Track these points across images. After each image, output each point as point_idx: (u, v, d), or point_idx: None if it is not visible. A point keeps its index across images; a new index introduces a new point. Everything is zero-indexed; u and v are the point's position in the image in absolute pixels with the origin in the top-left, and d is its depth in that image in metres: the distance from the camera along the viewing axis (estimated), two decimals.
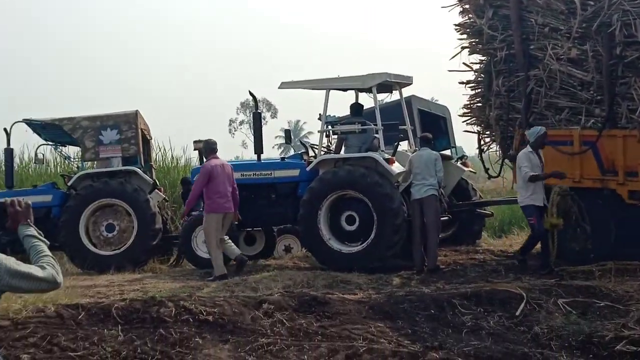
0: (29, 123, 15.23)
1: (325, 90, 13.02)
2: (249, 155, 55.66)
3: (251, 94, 13.91)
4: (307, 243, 13.13)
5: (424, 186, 11.85)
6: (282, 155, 16.95)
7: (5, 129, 15.22)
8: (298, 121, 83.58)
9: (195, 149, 15.09)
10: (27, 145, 20.71)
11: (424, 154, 12.08)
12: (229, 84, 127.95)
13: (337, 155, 12.96)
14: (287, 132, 14.73)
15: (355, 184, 12.31)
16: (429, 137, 12.63)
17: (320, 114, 13.29)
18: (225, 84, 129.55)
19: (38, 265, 3.54)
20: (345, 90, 13.57)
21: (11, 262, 3.43)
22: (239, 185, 13.50)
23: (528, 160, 11.25)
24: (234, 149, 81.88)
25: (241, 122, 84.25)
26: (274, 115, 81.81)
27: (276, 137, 75.89)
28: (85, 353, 7.59)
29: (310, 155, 13.81)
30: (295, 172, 13.38)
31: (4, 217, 3.65)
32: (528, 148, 11.37)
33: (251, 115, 73.14)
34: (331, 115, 15.08)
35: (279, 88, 13.26)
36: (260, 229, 14.15)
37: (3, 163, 16.22)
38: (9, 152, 15.46)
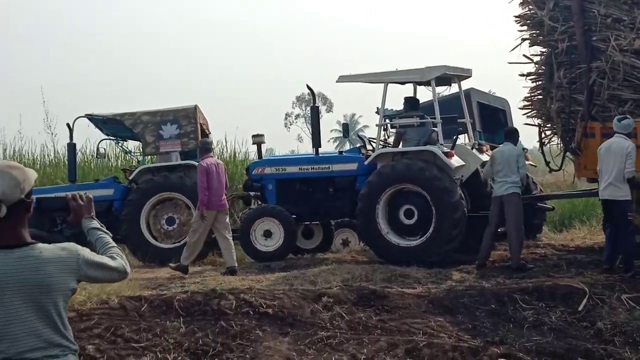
0: (91, 118, 15.47)
1: (383, 84, 12.96)
2: (305, 149, 55.75)
3: (309, 87, 13.93)
4: (365, 237, 13.10)
5: (506, 184, 11.61)
6: (339, 149, 16.92)
7: (68, 124, 15.48)
8: (354, 115, 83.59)
9: (253, 143, 15.17)
10: (89, 140, 21.05)
11: (506, 149, 11.83)
12: (285, 77, 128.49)
13: (395, 149, 12.89)
14: (345, 126, 14.68)
15: (414, 177, 12.24)
16: (512, 130, 12.34)
17: (378, 108, 13.25)
18: (281, 78, 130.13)
19: (108, 255, 3.62)
20: (403, 83, 13.49)
21: (88, 252, 3.51)
22: (297, 179, 13.57)
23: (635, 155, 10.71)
24: (290, 142, 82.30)
25: (297, 116, 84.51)
26: (329, 109, 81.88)
27: (332, 130, 75.95)
28: (148, 344, 7.72)
29: (368, 149, 13.78)
30: (353, 166, 13.36)
31: (67, 211, 3.70)
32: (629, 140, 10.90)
33: (307, 109, 73.09)
34: (389, 109, 15.02)
35: (337, 82, 13.24)
36: (317, 222, 14.17)
37: (66, 157, 16.48)
38: (71, 147, 15.71)
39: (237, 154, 22.64)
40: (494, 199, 11.84)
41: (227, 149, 22.86)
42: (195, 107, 14.89)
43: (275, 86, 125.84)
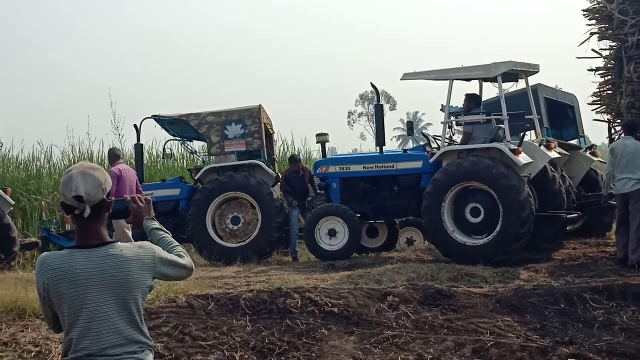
0: (158, 119, 15.70)
1: (448, 81, 12.83)
2: (367, 147, 55.74)
3: (373, 85, 13.90)
4: (430, 235, 12.99)
5: (630, 180, 11.23)
6: (403, 147, 16.84)
7: (135, 125, 15.75)
8: (416, 112, 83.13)
9: (317, 142, 15.21)
10: (156, 140, 21.36)
11: (629, 143, 11.39)
12: (347, 76, 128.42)
13: (461, 147, 12.75)
14: (409, 124, 14.60)
15: (481, 175, 12.08)
16: (633, 123, 11.83)
17: (442, 105, 13.12)
18: (344, 76, 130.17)
19: (175, 254, 3.68)
20: (469, 80, 13.34)
21: (161, 251, 3.59)
22: (362, 177, 13.54)
23: None
24: (353, 141, 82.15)
25: (360, 114, 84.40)
26: (392, 107, 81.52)
27: (395, 129, 75.67)
28: (215, 342, 7.79)
29: (433, 146, 13.67)
30: (418, 164, 13.27)
31: (127, 213, 3.76)
32: None
33: (370, 107, 72.92)
34: (454, 106, 14.87)
35: (401, 79, 13.17)
36: (382, 221, 14.12)
37: (133, 158, 16.77)
38: (139, 148, 15.98)
39: (299, 153, 22.66)
40: (617, 196, 11.52)
41: (289, 148, 22.92)
42: (260, 107, 14.99)
43: (338, 84, 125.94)
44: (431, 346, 7.90)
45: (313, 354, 7.75)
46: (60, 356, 7.27)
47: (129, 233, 11.94)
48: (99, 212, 3.47)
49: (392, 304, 8.96)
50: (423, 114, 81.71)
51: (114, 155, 12.85)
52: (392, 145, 64.63)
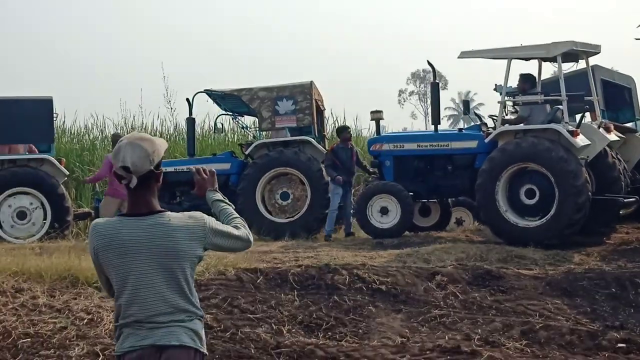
0: (210, 93, 15.80)
1: (506, 60, 12.63)
2: (418, 126, 55.45)
3: (429, 63, 13.73)
4: (482, 213, 12.80)
5: None
6: (458, 127, 16.67)
7: (187, 99, 15.86)
8: (468, 92, 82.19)
9: (372, 119, 15.12)
10: (208, 114, 21.48)
11: None
12: (398, 54, 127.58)
13: (517, 127, 12.57)
14: (466, 103, 14.47)
15: (539, 157, 11.88)
16: None
17: (496, 85, 12.96)
18: (394, 54, 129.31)
19: (232, 225, 3.69)
20: (528, 59, 13.10)
21: (213, 221, 3.59)
22: (415, 156, 13.44)
23: None
24: (403, 120, 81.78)
25: (411, 93, 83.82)
26: (444, 87, 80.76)
27: (446, 108, 74.97)
28: (263, 316, 7.86)
29: (489, 126, 13.50)
30: (473, 144, 13.12)
31: (191, 185, 3.80)
32: None
33: (421, 86, 72.15)
34: (509, 87, 14.68)
35: (458, 57, 13.01)
36: (434, 200, 14.03)
37: (185, 132, 16.91)
38: (190, 122, 16.11)
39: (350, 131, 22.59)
40: None
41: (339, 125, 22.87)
42: (311, 83, 14.99)
43: (389, 62, 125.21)
44: (479, 327, 7.87)
45: (360, 331, 7.78)
46: (111, 323, 7.42)
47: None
48: (148, 182, 3.47)
49: (441, 284, 8.95)
50: (475, 94, 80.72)
51: (115, 141, 13.03)
52: (443, 124, 64.02)
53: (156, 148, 3.48)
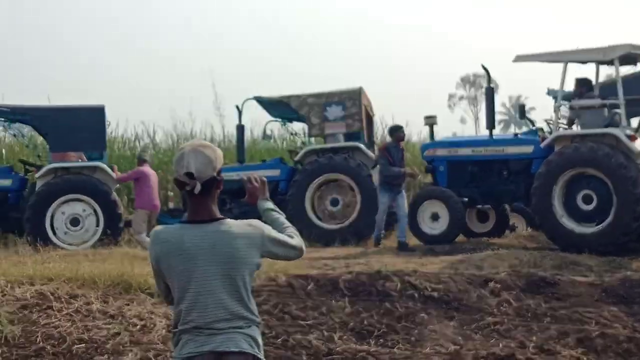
0: (259, 100, 15.88)
1: (562, 63, 12.43)
2: (467, 131, 54.94)
3: (484, 68, 13.55)
4: (538, 218, 12.55)
5: None
6: (512, 132, 16.38)
7: (237, 106, 15.97)
8: (519, 97, 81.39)
9: (426, 124, 14.98)
10: (257, 122, 21.59)
11: None
12: (448, 58, 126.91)
13: (574, 132, 12.37)
14: (521, 108, 14.29)
15: (598, 162, 11.63)
16: None
17: (549, 89, 12.81)
18: (444, 58, 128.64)
19: (286, 234, 3.70)
20: (584, 62, 12.88)
21: (270, 229, 3.62)
22: (470, 161, 13.24)
23: None
24: (452, 124, 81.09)
25: (460, 97, 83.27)
26: (495, 91, 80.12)
27: (496, 113, 74.20)
28: (314, 322, 7.83)
29: (545, 131, 13.27)
30: (529, 149, 12.92)
31: (242, 193, 3.80)
32: None
33: (471, 91, 71.31)
34: (555, 90, 14.45)
35: (513, 61, 12.85)
36: (488, 206, 13.85)
37: (235, 139, 17.01)
38: (240, 129, 16.22)
39: None
40: None
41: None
42: (360, 89, 14.97)
43: (439, 67, 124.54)
44: (534, 334, 7.74)
45: (412, 338, 7.71)
46: (168, 328, 7.46)
47: (144, 226, 13.42)
48: (210, 188, 3.51)
49: (494, 290, 8.82)
50: (526, 98, 79.90)
51: (141, 159, 14.35)
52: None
53: (217, 155, 3.55)
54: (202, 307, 3.44)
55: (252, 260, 3.53)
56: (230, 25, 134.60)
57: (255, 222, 3.59)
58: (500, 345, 7.43)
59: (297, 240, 3.71)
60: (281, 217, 3.77)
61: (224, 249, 3.46)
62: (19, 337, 7.15)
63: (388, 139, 13.90)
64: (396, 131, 13.56)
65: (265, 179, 3.87)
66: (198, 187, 3.45)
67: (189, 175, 3.45)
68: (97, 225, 13.89)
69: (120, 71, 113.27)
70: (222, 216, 3.56)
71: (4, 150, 19.36)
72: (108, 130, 16.08)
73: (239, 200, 14.28)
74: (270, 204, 3.79)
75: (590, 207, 11.85)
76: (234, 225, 3.52)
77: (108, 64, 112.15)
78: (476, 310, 8.42)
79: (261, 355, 3.56)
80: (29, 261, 9.84)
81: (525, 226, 14.16)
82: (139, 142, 22.29)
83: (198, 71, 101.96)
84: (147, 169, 14.12)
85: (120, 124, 28.34)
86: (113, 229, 13.77)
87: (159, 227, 3.62)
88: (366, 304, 8.39)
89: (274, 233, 3.62)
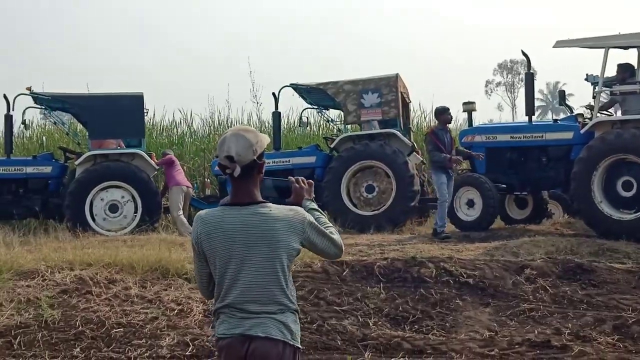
0: (295, 87, 15.89)
1: (604, 49, 12.25)
2: (505, 118, 54.43)
3: (524, 53, 13.36)
4: (576, 203, 12.35)
5: None
6: (553, 118, 16.10)
7: (273, 93, 16.01)
8: (557, 83, 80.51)
9: (464, 111, 14.86)
10: (293, 108, 21.61)
11: None
12: (484, 44, 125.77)
13: (614, 117, 12.19)
14: (561, 93, 14.06)
15: (639, 149, 11.51)
16: None
17: (587, 75, 12.61)
18: (480, 45, 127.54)
19: (327, 231, 3.74)
20: (626, 48, 12.67)
21: (313, 219, 3.67)
22: (509, 147, 13.07)
23: None
24: (490, 111, 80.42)
25: (498, 84, 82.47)
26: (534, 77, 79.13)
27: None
28: (349, 308, 7.88)
29: (584, 117, 13.11)
30: (569, 135, 12.76)
31: (289, 192, 3.87)
32: None
33: (509, 77, 70.53)
34: (597, 76, 14.25)
35: (554, 47, 12.67)
36: (526, 193, 13.72)
37: (271, 126, 17.05)
38: (276, 116, 16.25)
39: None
40: None
41: (426, 118, 22.68)
42: (397, 76, 14.91)
43: (476, 53, 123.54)
44: (569, 321, 7.71)
45: (447, 324, 7.72)
46: (205, 313, 7.56)
47: (180, 204, 14.10)
48: (250, 172, 3.57)
49: (530, 277, 8.79)
50: (564, 84, 79.04)
51: (165, 153, 15.08)
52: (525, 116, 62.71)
53: (259, 139, 3.60)
54: (239, 287, 3.52)
55: (290, 245, 3.56)
56: (263, 16, 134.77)
57: (298, 208, 3.66)
58: (536, 331, 7.42)
59: (337, 237, 3.75)
60: (323, 217, 3.82)
61: (261, 231, 3.52)
62: (59, 321, 7.30)
63: (433, 122, 13.67)
64: (443, 113, 12.94)
65: (312, 182, 3.95)
66: (238, 170, 3.52)
67: (230, 158, 3.52)
68: (136, 212, 14.06)
69: (159, 61, 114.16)
70: (264, 200, 3.62)
71: (44, 138, 19.61)
72: (146, 117, 16.23)
73: (284, 199, 14.43)
74: (314, 204, 3.84)
75: (630, 193, 11.70)
76: (274, 208, 3.58)
77: (146, 54, 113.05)
78: (512, 297, 8.40)
79: (295, 342, 3.58)
80: (68, 247, 10.01)
81: (562, 213, 14.02)
82: (177, 130, 22.46)
83: (235, 60, 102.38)
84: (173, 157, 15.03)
85: (157, 111, 28.65)
86: (151, 216, 13.93)
87: (202, 211, 3.69)
88: (401, 290, 8.41)
89: (317, 224, 3.67)
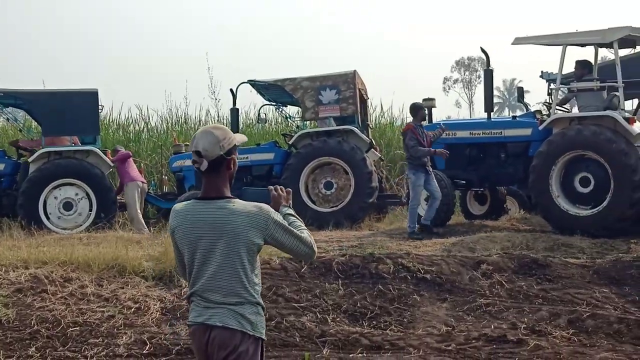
0: (253, 84, 15.84)
1: (562, 46, 12.39)
2: (462, 115, 54.91)
3: (483, 50, 13.40)
4: (534, 195, 12.39)
5: None
6: (508, 115, 16.17)
7: (231, 90, 15.93)
8: (513, 80, 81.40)
9: (423, 107, 14.90)
10: (252, 105, 21.56)
11: None
12: (441, 40, 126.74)
13: (572, 114, 12.33)
14: (520, 90, 14.13)
15: (599, 147, 11.52)
16: None
17: (542, 72, 12.77)
18: (437, 41, 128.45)
19: (299, 232, 3.85)
20: (583, 45, 12.79)
21: (279, 216, 3.79)
22: (468, 144, 13.12)
23: None
24: (447, 108, 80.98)
25: (455, 81, 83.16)
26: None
27: None
28: (307, 305, 7.89)
29: (543, 114, 13.21)
30: (527, 132, 12.85)
31: (269, 199, 3.98)
32: None
33: (466, 74, 71.00)
34: (552, 73, 14.43)
35: (512, 44, 12.74)
36: (482, 189, 13.83)
37: (229, 122, 16.98)
38: (235, 112, 16.17)
39: (394, 120, 22.52)
40: None
41: (384, 115, 22.81)
42: (355, 73, 14.93)
43: (433, 50, 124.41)
44: (525, 315, 7.81)
45: (405, 320, 7.77)
46: (162, 311, 7.51)
47: (136, 199, 14.18)
48: (218, 167, 3.73)
49: (486, 273, 8.88)
50: (520, 81, 79.96)
51: (116, 150, 15.21)
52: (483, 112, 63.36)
53: (227, 137, 3.75)
54: (204, 277, 3.70)
55: (250, 239, 3.67)
56: (225, 8, 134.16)
57: (264, 206, 3.76)
58: (492, 326, 7.50)
59: (307, 236, 3.83)
60: (298, 221, 3.92)
61: (223, 225, 3.67)
62: (14, 320, 7.21)
63: (408, 119, 13.49)
64: (419, 109, 12.70)
65: (290, 190, 4.11)
66: (204, 165, 3.69)
67: (197, 153, 3.70)
68: (90, 209, 13.91)
69: (117, 54, 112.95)
70: (231, 196, 3.75)
71: None
72: (102, 113, 16.05)
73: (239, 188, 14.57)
74: (290, 210, 3.98)
75: (587, 190, 11.84)
76: (238, 204, 3.72)
77: (105, 47, 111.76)
78: (468, 292, 8.48)
79: (256, 332, 3.73)
80: (23, 245, 9.88)
81: (518, 209, 14.18)
82: (134, 127, 22.28)
83: (193, 55, 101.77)
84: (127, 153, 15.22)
85: (114, 107, 28.38)
86: (106, 213, 13.78)
87: (177, 204, 3.89)
88: (359, 286, 8.45)
89: (284, 222, 3.77)
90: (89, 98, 14.45)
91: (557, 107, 12.47)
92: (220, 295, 3.67)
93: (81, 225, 13.69)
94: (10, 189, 14.49)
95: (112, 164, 14.66)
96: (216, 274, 3.67)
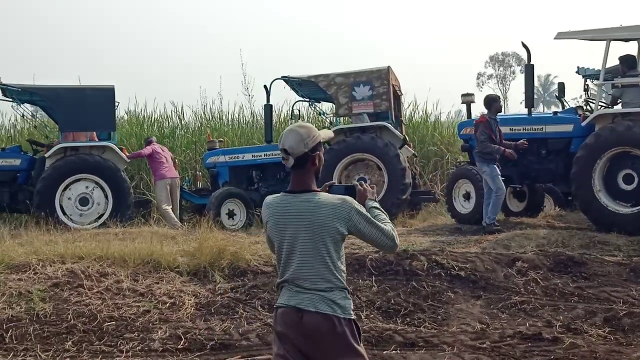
0: (287, 80, 15.85)
1: (605, 41, 12.19)
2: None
3: (524, 46, 13.22)
4: (575, 187, 12.16)
5: None
6: (554, 110, 15.90)
7: (265, 86, 15.96)
8: (548, 75, 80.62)
9: (463, 102, 14.76)
10: (286, 101, 21.54)
11: None
12: (477, 36, 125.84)
13: (615, 110, 12.14)
14: (561, 86, 13.94)
15: None
16: None
17: (578, 67, 12.59)
18: (473, 37, 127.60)
19: (380, 223, 4.00)
20: (627, 40, 12.58)
21: (362, 208, 3.98)
22: (508, 139, 12.94)
23: None
24: (481, 104, 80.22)
25: (489, 76, 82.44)
26: (522, 70, 79.19)
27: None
28: None
29: (584, 110, 13.04)
30: (569, 128, 12.66)
31: (355, 194, 4.11)
32: None
33: (500, 69, 70.22)
34: (589, 68, 14.24)
35: (554, 38, 12.56)
36: (520, 186, 13.65)
37: (262, 118, 17.02)
38: (268, 108, 16.21)
39: (428, 116, 22.38)
40: None
41: (418, 110, 22.68)
42: (388, 69, 14.88)
43: (468, 46, 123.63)
44: (560, 313, 7.74)
45: (439, 317, 7.74)
46: (197, 306, 7.55)
47: (165, 196, 14.40)
48: (304, 163, 3.95)
49: (521, 270, 8.82)
50: (555, 76, 79.11)
51: (147, 140, 15.43)
52: (521, 107, 62.84)
53: (312, 134, 3.96)
54: (293, 265, 3.94)
55: (335, 228, 3.88)
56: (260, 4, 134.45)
57: (349, 198, 3.95)
58: (527, 324, 7.45)
59: (389, 229, 3.99)
60: (382, 215, 4.09)
61: (308, 216, 3.90)
62: (51, 315, 7.29)
63: (442, 115, 13.30)
64: (495, 102, 12.45)
65: (374, 185, 4.33)
66: (291, 162, 3.93)
67: (284, 151, 3.94)
68: (107, 205, 14.00)
69: (151, 52, 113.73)
70: (318, 189, 3.98)
71: (12, 131, 19.46)
72: (117, 109, 16.02)
73: (266, 178, 14.82)
74: (375, 203, 4.14)
75: (630, 187, 11.65)
76: (322, 196, 3.94)
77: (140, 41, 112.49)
78: (503, 290, 8.43)
79: (346, 315, 3.91)
80: (60, 240, 9.97)
81: (553, 206, 14.03)
82: (168, 123, 22.39)
83: (228, 51, 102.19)
84: (154, 146, 15.05)
85: (148, 103, 28.56)
86: (122, 209, 13.87)
87: (268, 197, 4.12)
88: (393, 282, 8.43)
89: (367, 214, 3.95)
90: (106, 94, 14.49)
91: (601, 103, 12.27)
92: (311, 282, 3.89)
93: (97, 221, 13.78)
94: (25, 184, 14.58)
95: (128, 160, 14.72)
96: (305, 262, 3.90)
